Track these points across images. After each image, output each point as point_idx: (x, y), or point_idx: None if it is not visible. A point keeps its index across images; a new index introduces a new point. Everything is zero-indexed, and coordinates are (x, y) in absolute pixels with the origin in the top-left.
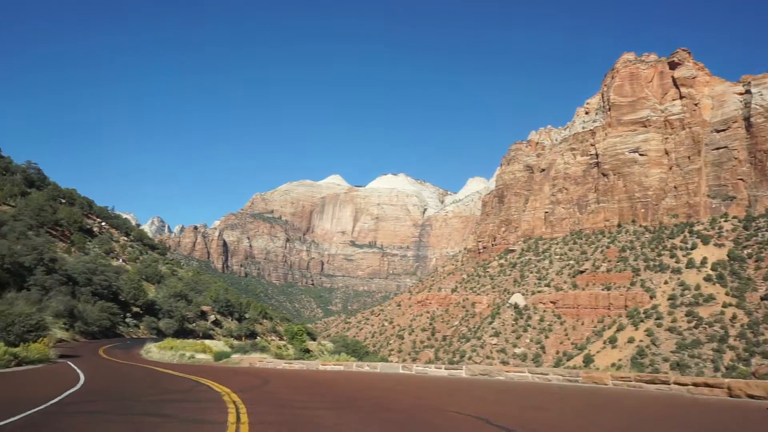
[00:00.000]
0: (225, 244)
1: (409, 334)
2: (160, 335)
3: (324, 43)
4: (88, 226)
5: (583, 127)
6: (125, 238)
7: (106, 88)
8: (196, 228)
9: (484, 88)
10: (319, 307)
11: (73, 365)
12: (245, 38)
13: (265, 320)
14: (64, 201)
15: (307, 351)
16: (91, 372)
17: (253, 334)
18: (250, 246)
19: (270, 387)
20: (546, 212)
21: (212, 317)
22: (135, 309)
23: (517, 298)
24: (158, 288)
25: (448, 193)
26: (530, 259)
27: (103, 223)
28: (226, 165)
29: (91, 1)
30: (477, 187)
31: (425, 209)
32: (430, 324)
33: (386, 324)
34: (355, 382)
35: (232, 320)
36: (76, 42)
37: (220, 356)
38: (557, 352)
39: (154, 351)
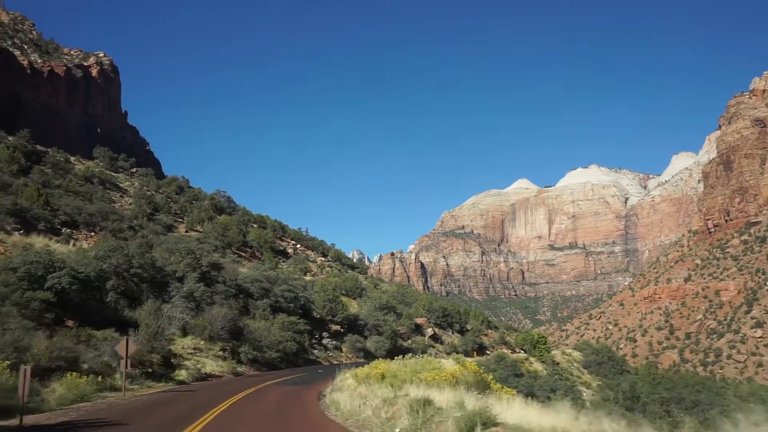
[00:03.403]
0: (422, 265)
1: (642, 335)
2: (369, 357)
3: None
4: (281, 248)
5: None
6: (322, 259)
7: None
8: (392, 254)
9: (674, 48)
10: (526, 317)
11: None
12: (419, 59)
13: (490, 330)
14: (255, 225)
15: (556, 363)
16: None
17: (481, 348)
18: (447, 264)
19: None
20: None
21: (429, 331)
22: (334, 327)
23: None
24: (360, 302)
25: (650, 176)
26: None
27: (298, 245)
28: (411, 188)
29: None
30: (685, 163)
31: (627, 198)
32: (666, 321)
33: (611, 327)
34: None
35: (452, 333)
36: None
37: None
38: None
39: (342, 390)
